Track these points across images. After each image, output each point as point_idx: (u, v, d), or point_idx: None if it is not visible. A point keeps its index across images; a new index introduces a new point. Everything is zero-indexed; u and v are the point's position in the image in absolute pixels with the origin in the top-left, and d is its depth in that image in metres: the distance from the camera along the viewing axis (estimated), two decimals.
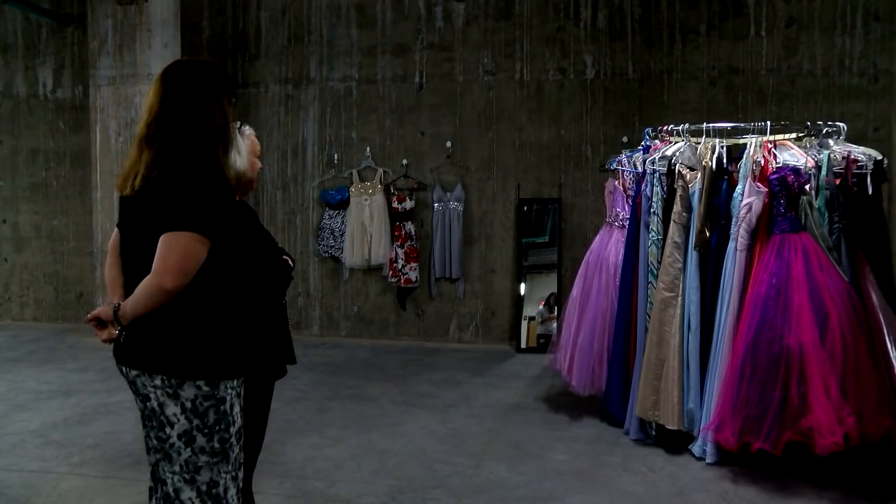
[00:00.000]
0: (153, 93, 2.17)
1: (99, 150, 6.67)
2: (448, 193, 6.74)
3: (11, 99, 7.53)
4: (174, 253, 2.00)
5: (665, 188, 4.20)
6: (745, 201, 3.86)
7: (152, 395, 2.11)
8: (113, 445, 4.14)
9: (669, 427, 4.01)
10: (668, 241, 4.10)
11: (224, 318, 2.13)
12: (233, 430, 2.17)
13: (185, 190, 2.04)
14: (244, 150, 2.61)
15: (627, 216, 4.62)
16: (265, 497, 3.46)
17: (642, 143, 4.72)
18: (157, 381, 2.09)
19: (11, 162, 7.56)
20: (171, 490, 2.16)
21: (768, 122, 4.09)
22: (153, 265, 2.01)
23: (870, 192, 3.97)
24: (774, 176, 3.81)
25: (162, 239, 2.01)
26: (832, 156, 3.96)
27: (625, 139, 6.38)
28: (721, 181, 4.01)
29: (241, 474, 2.24)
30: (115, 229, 2.31)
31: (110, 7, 6.54)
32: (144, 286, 2.03)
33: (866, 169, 3.99)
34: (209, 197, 2.06)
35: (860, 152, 4.08)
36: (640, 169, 4.46)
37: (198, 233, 2.02)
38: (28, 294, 7.64)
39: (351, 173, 6.94)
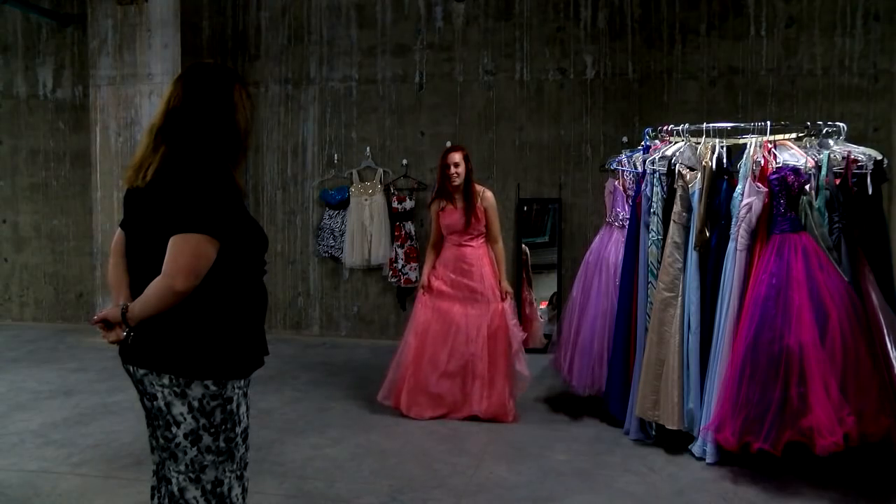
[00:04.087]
0: (176, 89, 2.15)
1: (99, 150, 6.67)
2: None
3: (11, 99, 7.53)
4: (185, 255, 2.00)
5: (665, 188, 4.20)
6: (745, 201, 3.86)
7: (159, 395, 2.11)
8: (113, 445, 4.14)
9: (669, 427, 4.01)
10: (668, 241, 4.10)
11: (231, 317, 2.13)
12: (239, 429, 2.18)
13: (196, 191, 2.04)
14: None
15: (627, 216, 4.62)
16: (265, 497, 3.46)
17: (642, 143, 4.72)
18: (165, 381, 2.09)
19: (11, 162, 7.56)
20: (175, 489, 2.16)
21: (768, 122, 4.09)
22: (164, 267, 2.01)
23: (870, 192, 3.96)
24: (774, 176, 3.81)
25: (172, 241, 2.01)
26: (832, 156, 3.95)
27: (625, 139, 6.38)
28: (721, 181, 4.01)
29: (246, 473, 2.25)
30: (119, 230, 2.30)
31: (110, 7, 6.54)
32: (155, 288, 2.02)
33: (866, 169, 3.99)
34: (219, 198, 2.06)
35: (860, 152, 4.08)
36: (640, 169, 4.47)
37: (208, 234, 2.02)
38: (28, 294, 7.64)
39: (351, 173, 6.94)
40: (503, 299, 4.62)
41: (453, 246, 4.72)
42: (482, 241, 4.72)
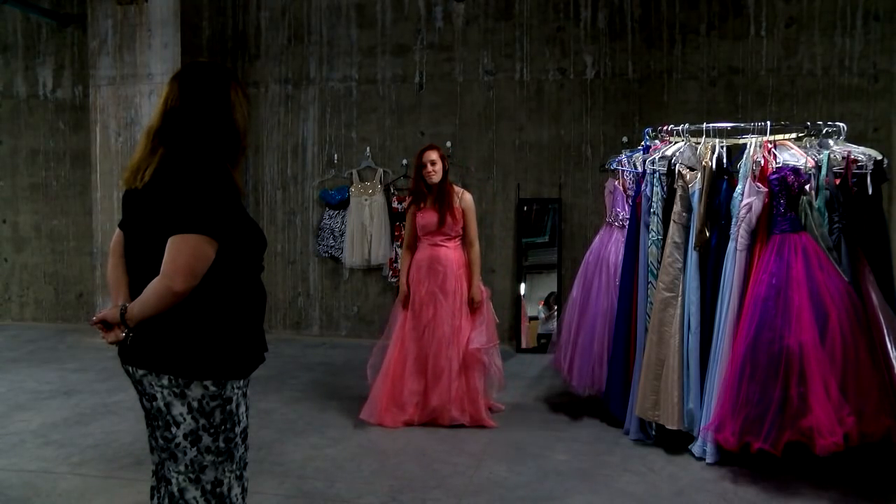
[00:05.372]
0: (173, 90, 2.15)
1: (99, 150, 6.68)
2: None
3: (11, 99, 7.53)
4: (183, 255, 1.99)
5: (665, 188, 4.20)
6: (745, 201, 3.86)
7: (159, 395, 2.11)
8: (113, 445, 4.14)
9: (669, 427, 4.01)
10: (668, 241, 4.10)
11: (230, 318, 2.13)
12: (238, 429, 2.18)
13: (194, 191, 2.04)
14: None
15: (627, 216, 4.62)
16: (265, 497, 3.46)
17: (642, 143, 4.72)
18: (165, 381, 2.09)
19: (11, 162, 7.56)
20: (175, 489, 2.16)
21: (768, 122, 4.09)
22: (162, 267, 2.00)
23: (870, 192, 3.96)
24: (774, 176, 3.81)
25: (171, 241, 2.01)
26: (832, 156, 3.96)
27: (625, 139, 6.38)
28: (721, 181, 4.01)
29: (245, 473, 2.25)
30: (118, 230, 2.30)
31: (110, 7, 6.54)
32: (153, 288, 2.01)
33: (866, 169, 3.99)
34: (217, 198, 2.06)
35: (860, 152, 4.08)
36: (640, 169, 4.47)
37: (206, 234, 2.01)
38: (28, 294, 7.64)
39: (351, 173, 6.94)
40: (472, 310, 4.52)
41: (428, 246, 4.58)
42: (458, 243, 4.61)
